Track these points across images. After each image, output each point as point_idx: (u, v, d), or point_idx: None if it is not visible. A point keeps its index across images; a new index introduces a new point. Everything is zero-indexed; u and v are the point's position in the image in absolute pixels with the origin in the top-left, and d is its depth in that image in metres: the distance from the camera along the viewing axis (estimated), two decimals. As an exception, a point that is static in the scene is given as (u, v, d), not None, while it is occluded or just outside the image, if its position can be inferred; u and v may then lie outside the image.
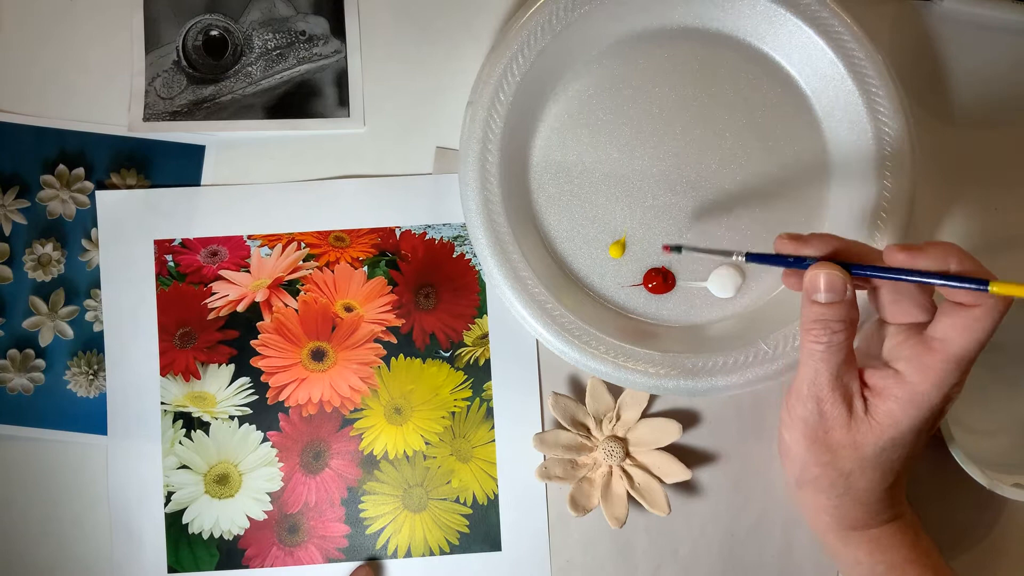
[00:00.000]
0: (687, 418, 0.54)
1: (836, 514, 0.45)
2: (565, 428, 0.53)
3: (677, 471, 0.52)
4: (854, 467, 0.43)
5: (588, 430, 0.53)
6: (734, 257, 0.46)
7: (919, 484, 0.53)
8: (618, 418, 0.53)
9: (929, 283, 0.40)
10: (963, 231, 0.56)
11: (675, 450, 0.53)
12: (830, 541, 0.47)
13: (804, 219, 0.54)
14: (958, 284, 0.39)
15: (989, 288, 0.38)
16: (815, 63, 0.53)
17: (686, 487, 0.54)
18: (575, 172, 0.54)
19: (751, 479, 0.54)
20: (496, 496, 0.54)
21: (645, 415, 0.54)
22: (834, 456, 0.44)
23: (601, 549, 0.54)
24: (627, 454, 0.53)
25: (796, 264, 0.43)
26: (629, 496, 0.52)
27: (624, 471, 0.52)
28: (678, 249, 0.47)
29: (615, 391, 0.53)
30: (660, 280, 0.53)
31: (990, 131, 0.57)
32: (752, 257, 0.45)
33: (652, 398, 0.54)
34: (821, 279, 0.42)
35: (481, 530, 0.54)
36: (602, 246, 0.54)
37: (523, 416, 0.54)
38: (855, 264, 0.42)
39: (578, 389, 0.54)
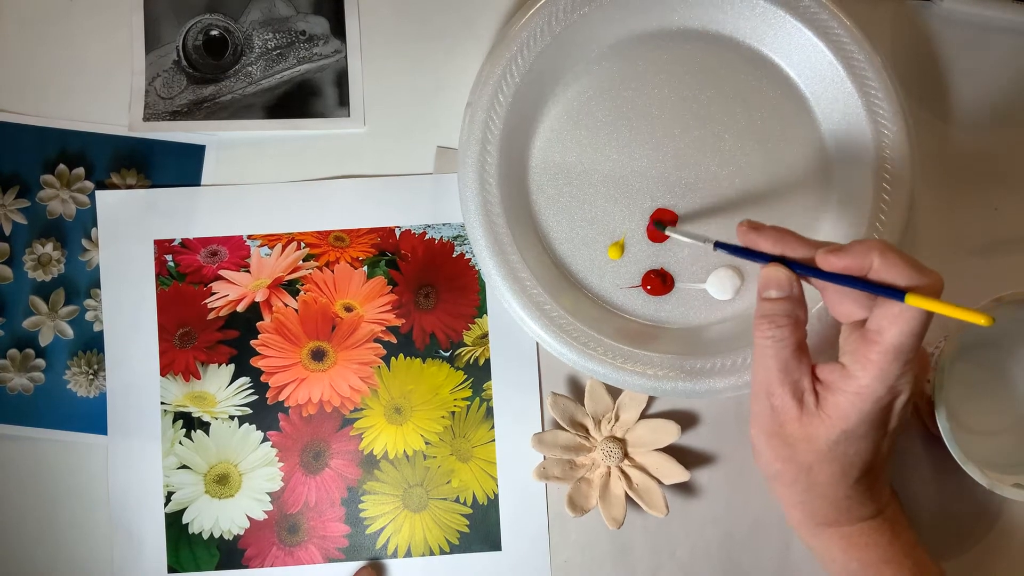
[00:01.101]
0: (686, 419, 0.54)
1: (805, 510, 0.46)
2: (564, 428, 0.53)
3: (675, 472, 0.52)
4: (812, 461, 0.44)
5: (587, 430, 0.53)
6: (705, 244, 0.47)
7: (919, 485, 0.54)
8: (617, 419, 0.53)
9: (852, 287, 0.40)
10: (963, 231, 0.56)
11: (674, 451, 0.53)
12: (804, 536, 0.48)
13: (803, 220, 0.54)
14: (878, 292, 0.40)
15: (905, 300, 0.38)
16: (814, 65, 0.53)
17: (684, 488, 0.54)
18: (574, 173, 0.54)
19: (750, 480, 0.54)
20: (496, 496, 0.54)
21: (644, 416, 0.54)
22: (792, 450, 0.44)
23: (600, 550, 0.54)
24: (625, 455, 0.53)
25: (756, 258, 0.44)
26: (627, 497, 0.52)
27: (622, 472, 0.53)
28: (663, 226, 0.52)
29: (614, 392, 0.53)
30: (659, 282, 0.53)
31: (990, 131, 0.57)
32: (719, 245, 0.47)
33: (651, 399, 0.54)
34: (769, 276, 0.43)
35: (481, 530, 0.54)
36: (601, 247, 0.54)
37: (523, 416, 0.54)
38: (797, 264, 0.43)
39: (577, 389, 0.54)
